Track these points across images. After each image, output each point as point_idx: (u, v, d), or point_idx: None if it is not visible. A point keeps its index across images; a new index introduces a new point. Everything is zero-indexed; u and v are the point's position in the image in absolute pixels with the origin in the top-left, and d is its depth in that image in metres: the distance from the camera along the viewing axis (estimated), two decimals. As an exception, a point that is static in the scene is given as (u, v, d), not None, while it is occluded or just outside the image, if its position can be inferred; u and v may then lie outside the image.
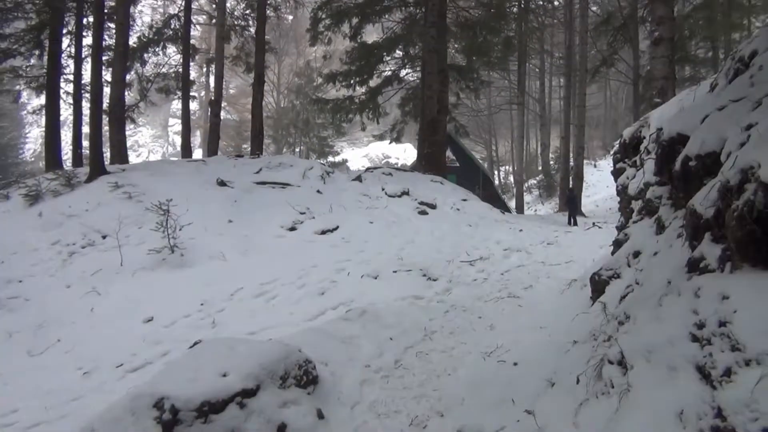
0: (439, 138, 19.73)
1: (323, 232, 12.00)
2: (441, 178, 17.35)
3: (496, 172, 54.85)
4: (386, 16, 24.43)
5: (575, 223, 24.41)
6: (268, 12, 22.70)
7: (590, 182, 35.50)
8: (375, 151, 71.84)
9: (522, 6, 29.14)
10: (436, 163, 19.25)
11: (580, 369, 3.47)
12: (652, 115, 6.13)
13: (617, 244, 5.21)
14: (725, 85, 4.35)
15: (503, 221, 14.03)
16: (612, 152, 7.21)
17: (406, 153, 62.13)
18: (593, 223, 14.48)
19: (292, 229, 12.14)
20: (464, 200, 15.39)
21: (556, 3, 32.34)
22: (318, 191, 14.28)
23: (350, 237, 11.63)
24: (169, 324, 7.83)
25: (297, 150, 53.47)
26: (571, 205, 25.59)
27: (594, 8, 32.58)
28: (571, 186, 27.59)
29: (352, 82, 24.98)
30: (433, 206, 14.19)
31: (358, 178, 15.80)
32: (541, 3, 30.69)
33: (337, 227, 12.19)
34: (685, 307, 2.82)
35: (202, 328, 7.57)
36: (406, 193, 14.74)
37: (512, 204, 36.94)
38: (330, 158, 51.42)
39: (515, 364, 4.61)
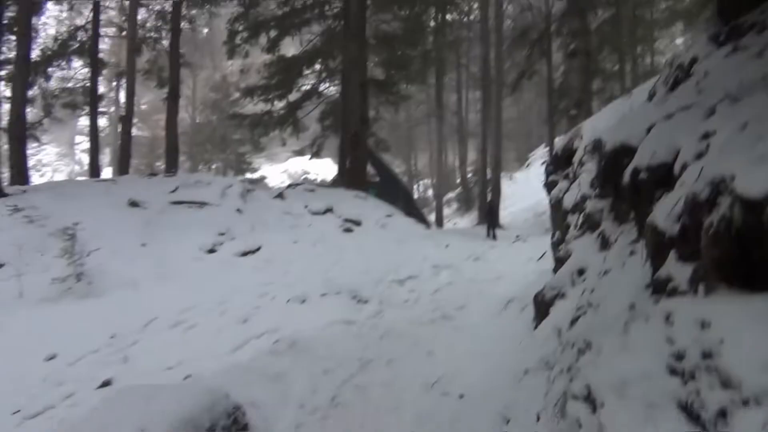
0: (361, 153, 19.46)
1: (245, 254, 11.36)
2: (365, 194, 17.05)
3: (415, 186, 55.20)
4: (305, 29, 23.98)
5: (494, 236, 24.81)
6: (182, 24, 21.77)
7: (506, 194, 36.17)
8: (294, 166, 70.73)
9: (439, 20, 29.40)
10: (358, 177, 18.95)
11: (538, 403, 3.16)
12: (584, 126, 6.03)
13: (558, 261, 5.01)
14: (666, 93, 4.22)
15: (429, 237, 13.87)
16: (544, 165, 7.08)
17: (325, 168, 61.68)
18: (517, 236, 14.51)
19: (212, 251, 11.43)
20: (389, 216, 15.13)
21: (471, 17, 32.89)
22: (238, 210, 13.60)
23: (274, 258, 11.07)
24: (74, 361, 7.01)
25: (213, 167, 51.90)
26: (490, 217, 25.97)
27: (508, 22, 33.40)
28: (489, 199, 27.93)
29: (270, 96, 24.32)
30: (358, 223, 13.84)
31: (280, 195, 15.23)
32: (457, 17, 31.08)
33: (260, 248, 11.59)
34: (657, 335, 2.54)
35: (112, 364, 6.81)
36: (330, 210, 14.32)
37: (432, 217, 37.12)
38: (248, 175, 50.17)
39: (461, 396, 4.28)
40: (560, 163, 6.39)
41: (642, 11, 26.78)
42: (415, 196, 49.52)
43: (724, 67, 3.52)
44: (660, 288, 2.73)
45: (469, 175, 43.75)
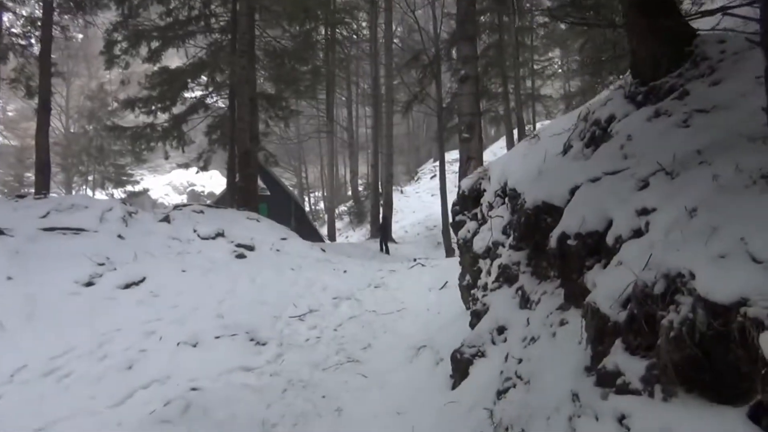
0: (252, 171, 18.80)
1: (127, 286, 10.42)
2: (257, 215, 16.41)
3: (306, 199, 54.73)
4: (190, 41, 22.97)
5: (387, 250, 24.94)
6: (54, 31, 20.04)
7: (398, 208, 36.64)
8: (179, 178, 68.07)
9: (329, 37, 29.34)
10: (249, 196, 18.28)
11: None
12: (492, 167, 5.97)
13: (475, 316, 4.87)
14: (582, 149, 4.17)
15: (326, 261, 13.50)
16: (451, 204, 6.97)
17: (212, 180, 59.64)
18: (415, 260, 14.48)
19: (89, 284, 10.36)
20: (284, 239, 14.61)
21: (360, 35, 33.11)
22: (119, 236, 12.54)
23: (160, 290, 10.24)
24: None
25: (90, 179, 48.68)
26: (383, 232, 26.13)
27: (396, 40, 33.93)
28: (382, 214, 28.14)
29: (153, 108, 23.01)
30: (251, 248, 13.22)
31: (166, 219, 14.25)
32: (347, 35, 31.20)
33: (144, 279, 10.70)
34: (613, 440, 2.39)
35: (-31, 429, 5.94)
36: (221, 234, 13.59)
37: (324, 231, 36.85)
38: (129, 187, 47.56)
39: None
40: (467, 204, 6.29)
41: (523, 37, 28.23)
42: (307, 209, 49.09)
43: (648, 132, 3.50)
44: (607, 381, 2.58)
45: (361, 188, 43.91)
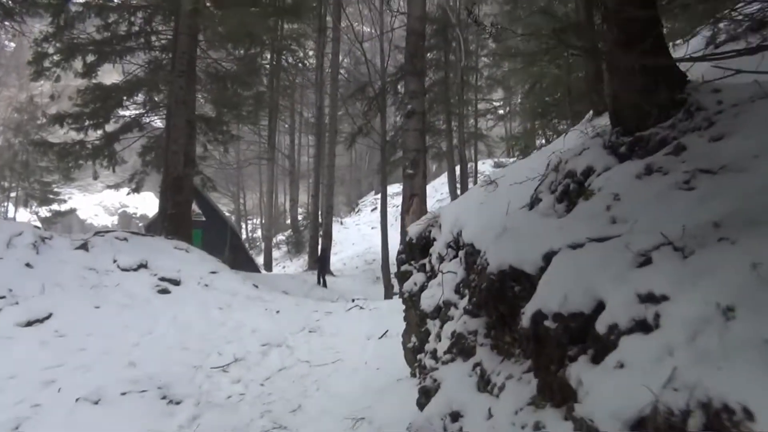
0: (185, 197, 17.72)
1: (29, 323, 9.23)
2: (187, 245, 15.30)
3: (244, 225, 53.35)
4: (128, 57, 21.83)
5: (324, 284, 24.10)
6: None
7: (337, 239, 35.89)
8: (111, 198, 65.13)
9: (274, 63, 28.74)
10: (181, 224, 17.16)
11: None
12: (443, 215, 5.37)
13: (424, 393, 4.16)
14: (554, 204, 3.62)
15: (257, 298, 12.58)
16: (398, 252, 6.30)
17: (146, 202, 57.39)
18: (353, 300, 13.72)
19: (-15, 320, 9.20)
20: (213, 273, 13.58)
21: (307, 63, 32.65)
22: (27, 265, 11.26)
23: (67, 330, 9.12)
24: None
25: (13, 195, 45.90)
26: (321, 264, 25.30)
27: (342, 71, 33.64)
28: (321, 246, 27.40)
29: (84, 125, 21.63)
30: (176, 282, 12.16)
31: (84, 246, 12.95)
32: (293, 62, 30.70)
33: (50, 315, 9.55)
34: None
35: None
36: (144, 265, 12.48)
37: (260, 260, 35.67)
38: (55, 206, 45.03)
39: None
40: (415, 252, 5.64)
41: (468, 76, 28.47)
42: (244, 236, 47.72)
43: (640, 192, 2.94)
44: None
45: (300, 218, 42.96)
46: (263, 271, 31.72)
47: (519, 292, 3.21)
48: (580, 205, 3.27)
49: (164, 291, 11.71)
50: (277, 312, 11.42)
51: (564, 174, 3.64)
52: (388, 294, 21.93)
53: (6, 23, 19.99)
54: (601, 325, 2.45)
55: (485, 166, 41.05)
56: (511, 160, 33.70)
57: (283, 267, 38.13)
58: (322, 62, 30.10)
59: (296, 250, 39.78)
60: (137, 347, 8.64)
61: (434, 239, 5.36)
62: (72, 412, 6.27)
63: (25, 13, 19.48)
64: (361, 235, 41.80)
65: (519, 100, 40.33)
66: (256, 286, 14.23)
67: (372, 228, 41.87)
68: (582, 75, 11.20)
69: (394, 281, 22.30)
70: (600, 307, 2.52)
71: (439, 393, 3.80)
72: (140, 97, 23.54)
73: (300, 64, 31.51)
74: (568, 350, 2.63)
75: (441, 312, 4.67)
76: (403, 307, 5.79)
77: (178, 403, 6.46)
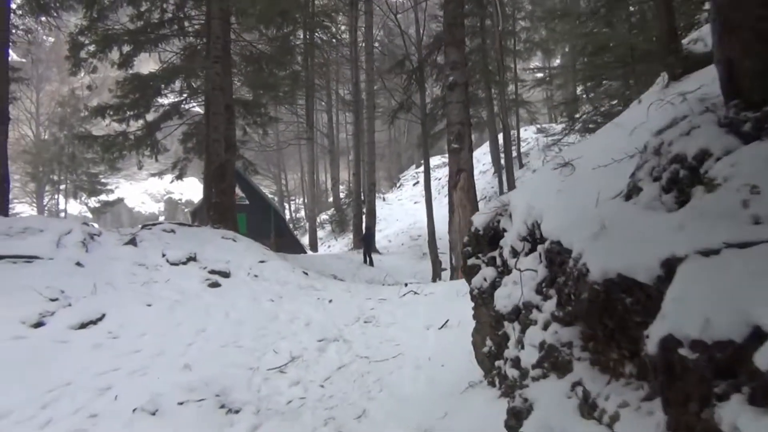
0: (228, 184, 17.56)
1: (83, 326, 9.08)
2: (233, 234, 15.13)
3: (287, 206, 53.55)
4: (162, 45, 21.71)
5: (371, 262, 23.86)
6: (14, 34, 18.58)
7: (380, 216, 35.51)
8: (156, 186, 66.19)
9: (307, 41, 28.25)
10: (226, 212, 17.03)
11: None
12: (513, 202, 4.83)
13: (514, 415, 3.68)
14: (659, 194, 3.07)
15: (309, 287, 12.30)
16: (463, 244, 5.81)
17: (190, 187, 57.92)
18: (405, 284, 13.29)
19: (39, 324, 8.98)
20: (262, 262, 13.36)
21: (340, 38, 32.03)
22: (78, 264, 11.16)
23: (120, 330, 8.94)
24: None
25: (62, 188, 46.93)
26: (367, 243, 25.05)
27: (377, 44, 32.92)
28: (366, 224, 27.16)
29: (125, 116, 21.73)
30: (226, 275, 11.97)
31: (132, 241, 12.83)
32: (326, 39, 30.13)
33: (104, 316, 9.39)
34: None
35: None
36: (192, 258, 12.32)
37: (305, 240, 35.69)
38: (103, 196, 45.98)
39: None
40: (482, 245, 5.14)
41: (506, 41, 27.52)
42: (288, 216, 47.91)
43: (792, 187, 2.41)
44: None
45: (342, 195, 42.78)
46: (309, 252, 31.69)
47: (631, 304, 2.71)
48: (700, 197, 2.71)
49: (214, 284, 11.52)
50: (330, 302, 11.11)
51: (670, 159, 3.08)
52: (436, 271, 21.53)
53: (42, 18, 20.03)
54: (761, 359, 1.95)
55: (528, 133, 39.97)
56: (558, 126, 32.62)
57: (329, 246, 38.08)
58: (355, 37, 29.50)
59: (340, 228, 39.71)
60: (191, 347, 8.43)
61: (504, 230, 4.85)
62: (130, 423, 6.05)
63: (59, 7, 19.47)
64: (404, 210, 41.37)
65: (560, 62, 38.98)
66: (306, 273, 13.97)
67: (415, 203, 41.39)
68: (642, 35, 10.36)
69: (443, 257, 21.90)
70: (757, 335, 2.02)
71: (533, 416, 3.33)
72: (177, 85, 23.51)
73: (333, 40, 30.95)
74: (714, 386, 2.13)
75: (520, 315, 4.19)
76: (472, 304, 5.33)
77: (237, 411, 6.18)
